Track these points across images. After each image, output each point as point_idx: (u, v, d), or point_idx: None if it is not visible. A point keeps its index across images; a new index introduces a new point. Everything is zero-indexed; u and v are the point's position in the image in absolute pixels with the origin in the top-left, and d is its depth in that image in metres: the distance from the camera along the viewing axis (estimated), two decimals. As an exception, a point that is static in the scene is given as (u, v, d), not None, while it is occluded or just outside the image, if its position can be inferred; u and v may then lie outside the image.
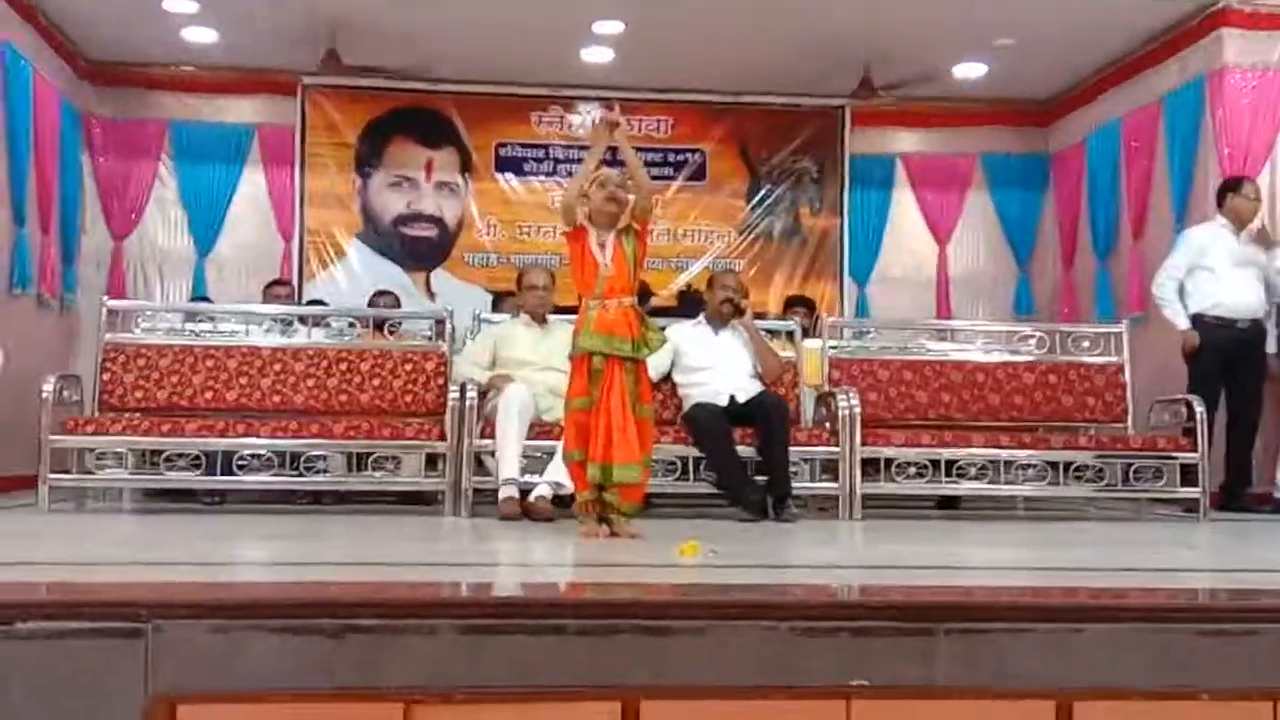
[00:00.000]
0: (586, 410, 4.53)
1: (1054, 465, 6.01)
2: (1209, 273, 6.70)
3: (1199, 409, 6.11)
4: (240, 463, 5.68)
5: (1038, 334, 6.74)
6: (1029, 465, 6.00)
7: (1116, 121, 8.69)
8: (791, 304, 8.00)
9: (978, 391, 6.45)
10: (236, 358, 6.16)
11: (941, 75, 9.07)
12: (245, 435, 5.66)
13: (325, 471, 5.82)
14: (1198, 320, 6.69)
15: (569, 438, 4.61)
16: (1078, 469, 6.02)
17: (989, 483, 5.99)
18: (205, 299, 8.46)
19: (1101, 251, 8.85)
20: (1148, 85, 8.32)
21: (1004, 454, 5.99)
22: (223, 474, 5.71)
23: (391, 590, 2.87)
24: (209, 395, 6.09)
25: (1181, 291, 6.76)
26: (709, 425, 5.69)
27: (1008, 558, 4.26)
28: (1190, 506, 6.06)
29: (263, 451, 5.66)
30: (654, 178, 9.76)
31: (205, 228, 9.18)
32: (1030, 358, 6.60)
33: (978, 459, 5.97)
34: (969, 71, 9.01)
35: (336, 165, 9.33)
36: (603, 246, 4.63)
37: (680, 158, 9.63)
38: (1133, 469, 6.03)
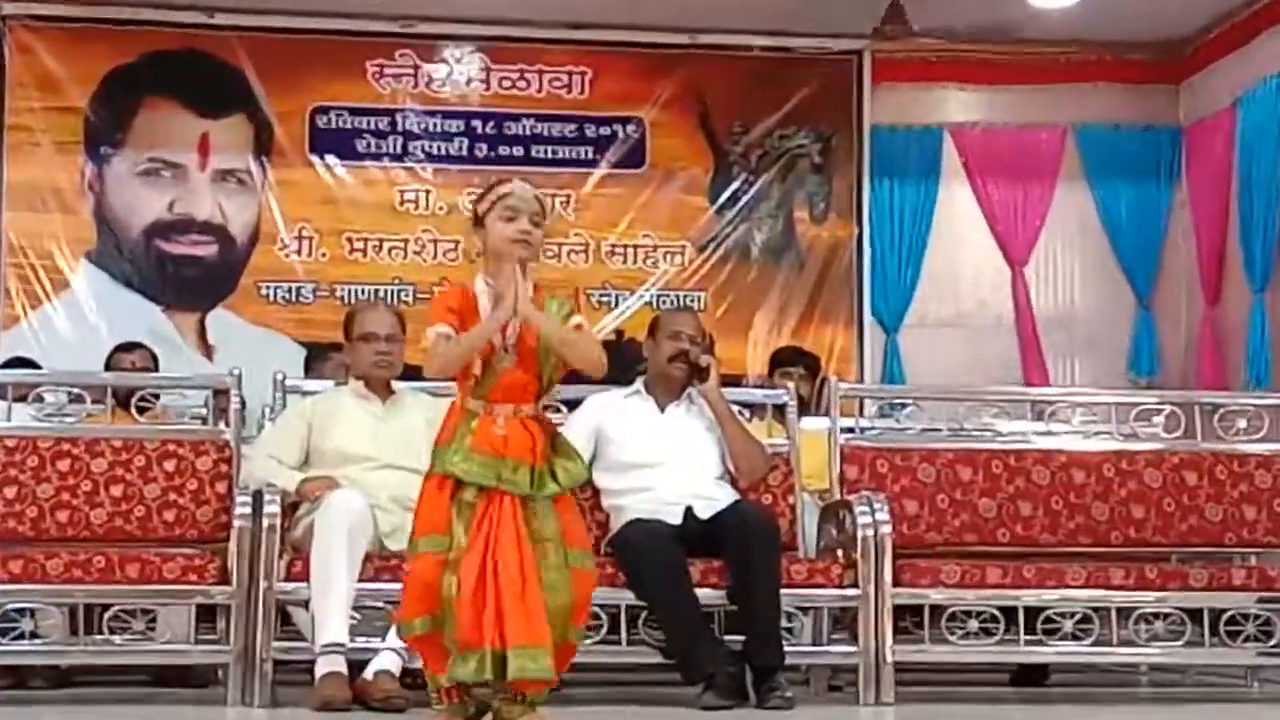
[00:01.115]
0: (438, 555, 4.48)
1: (1195, 615, 6.04)
2: None
3: None
4: (-107, 623, 5.58)
5: (1167, 408, 6.80)
6: (1156, 615, 6.03)
7: (1283, 76, 8.89)
8: (782, 362, 8.02)
9: (1076, 499, 6.49)
10: (-112, 452, 6.07)
11: (1013, 4, 9.22)
12: (-99, 578, 5.56)
13: (34, 635, 5.71)
14: None
15: (408, 597, 4.53)
16: (1232, 621, 6.06)
17: (1093, 644, 6.00)
18: None
19: (1260, 277, 9.01)
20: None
21: (1117, 598, 6.01)
22: None
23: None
24: None
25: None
26: (653, 556, 5.68)
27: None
28: None
29: (-69, 604, 5.58)
30: (567, 161, 9.98)
31: None
32: (1157, 445, 6.66)
33: (1076, 606, 5.99)
34: (1055, -1, 9.19)
35: (54, 143, 9.27)
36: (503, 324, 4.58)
37: (605, 131, 9.68)
38: (1318, 620, 6.11)
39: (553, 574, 4.42)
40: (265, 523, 5.60)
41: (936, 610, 5.94)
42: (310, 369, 7.99)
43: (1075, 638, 5.98)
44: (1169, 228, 9.92)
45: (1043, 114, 9.93)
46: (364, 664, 5.37)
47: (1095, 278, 9.96)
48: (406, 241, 9.38)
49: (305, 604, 5.57)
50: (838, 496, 6.28)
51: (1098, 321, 9.92)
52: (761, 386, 7.82)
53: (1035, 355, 9.79)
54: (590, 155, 9.65)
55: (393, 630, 5.34)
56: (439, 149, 9.56)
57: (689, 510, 5.90)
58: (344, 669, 5.35)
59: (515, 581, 4.36)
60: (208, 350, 9.26)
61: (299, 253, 9.42)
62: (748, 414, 6.49)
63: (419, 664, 5.08)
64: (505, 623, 4.34)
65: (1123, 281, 9.95)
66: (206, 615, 5.80)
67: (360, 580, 5.52)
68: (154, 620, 5.76)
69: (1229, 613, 6.04)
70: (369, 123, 9.54)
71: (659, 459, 6.03)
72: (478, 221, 4.68)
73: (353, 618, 5.47)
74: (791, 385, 6.93)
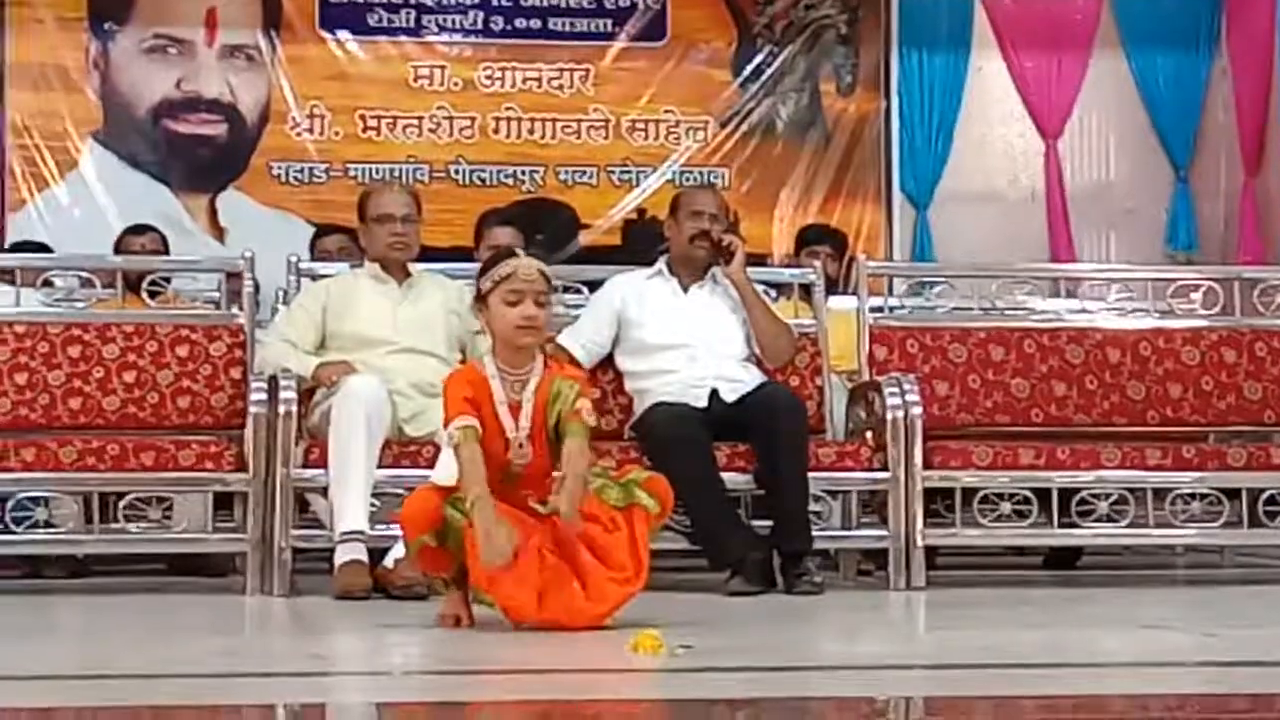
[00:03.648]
0: (436, 489, 4.55)
1: (1232, 495, 6.06)
2: None
3: None
4: (-94, 513, 5.62)
5: (1205, 284, 6.79)
6: (1193, 496, 6.05)
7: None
8: (809, 240, 8.01)
9: (1111, 378, 6.49)
10: (-104, 340, 6.10)
11: None
12: (-87, 467, 5.61)
13: (48, 525, 5.76)
14: None
15: (408, 524, 4.55)
16: (1271, 500, 6.08)
17: (1129, 525, 6.03)
18: None
19: (1305, 149, 8.96)
20: None
21: (1152, 478, 6.03)
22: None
23: (160, 721, 2.84)
24: None
25: None
26: (678, 440, 5.69)
27: (1160, 647, 4.30)
28: None
29: (-57, 494, 5.61)
30: (585, 34, 9.92)
31: None
32: (1195, 323, 6.65)
33: (1111, 487, 6.00)
34: None
35: (57, 19, 9.21)
36: (516, 409, 4.54)
37: (625, 2, 9.59)
38: (1360, 500, 6.12)
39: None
40: (281, 409, 5.63)
41: (968, 493, 5.96)
42: (314, 251, 7.94)
43: (1110, 519, 6.01)
44: (1208, 96, 9.83)
45: (1079, -19, 9.84)
46: (384, 551, 5.41)
47: (1131, 149, 9.89)
48: (421, 119, 9.32)
49: (323, 491, 5.62)
50: (867, 378, 6.30)
51: (1134, 195, 9.86)
52: (788, 266, 7.80)
53: (1063, 231, 9.73)
54: (609, 27, 9.57)
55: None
56: (453, 22, 9.48)
57: (714, 393, 5.92)
58: (364, 557, 5.40)
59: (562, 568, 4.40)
60: (219, 232, 9.25)
61: (311, 131, 9.38)
62: (774, 294, 6.49)
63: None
64: (556, 597, 4.36)
65: (1160, 153, 9.88)
66: (223, 503, 5.86)
67: (379, 466, 5.56)
68: (170, 509, 5.81)
69: (1267, 492, 6.06)
70: (382, -6, 9.47)
71: (683, 341, 6.03)
72: (480, 298, 4.60)
73: (372, 505, 5.51)
74: (818, 264, 6.92)
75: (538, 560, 4.36)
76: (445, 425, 4.52)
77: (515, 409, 4.52)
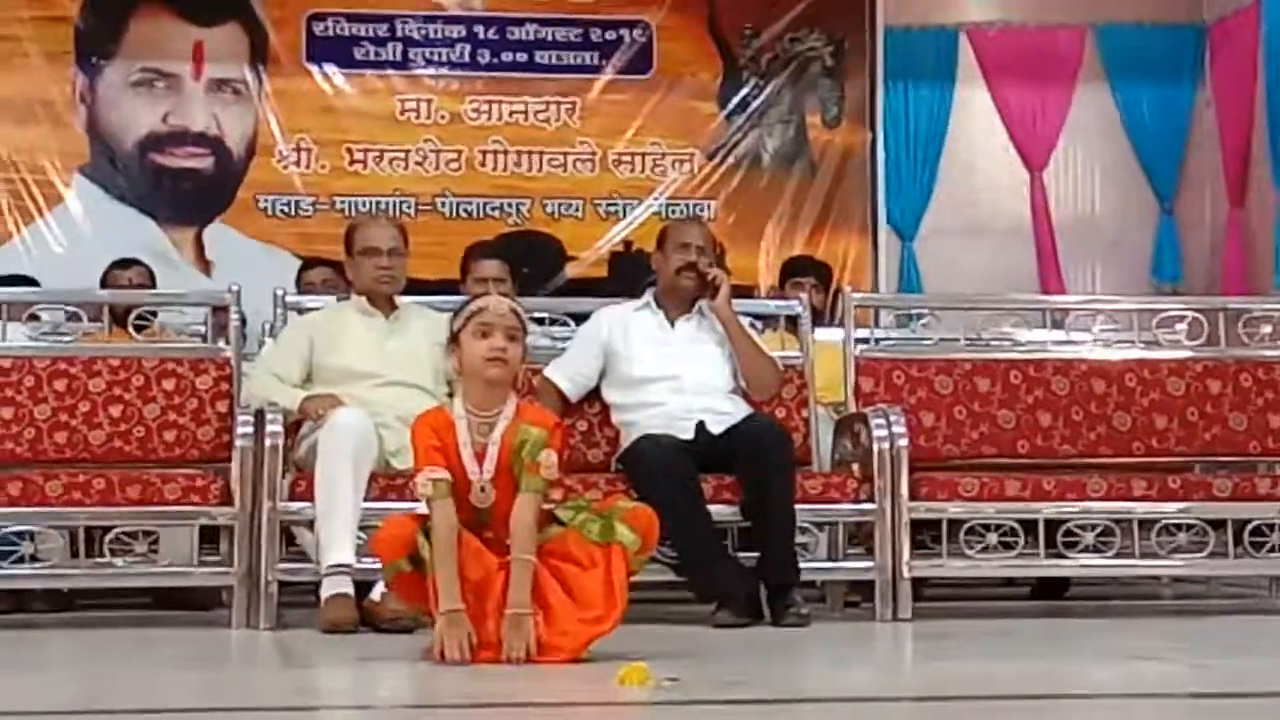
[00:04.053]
0: (409, 515, 4.59)
1: (1218, 526, 6.07)
2: None
3: None
4: (-109, 547, 5.60)
5: (1190, 314, 6.80)
6: (1179, 526, 6.06)
7: (1313, -30, 8.84)
8: (795, 272, 8.03)
9: (1097, 409, 6.50)
10: (-118, 374, 6.09)
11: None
12: (-101, 502, 5.59)
13: (34, 559, 5.74)
14: None
15: (383, 548, 4.55)
16: (1256, 531, 6.09)
17: (1115, 556, 6.03)
18: None
19: (1289, 180, 8.99)
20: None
21: (1138, 509, 6.03)
22: None
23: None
24: None
25: None
26: (664, 473, 5.68)
27: (1148, 678, 4.31)
28: None
29: (-71, 528, 5.60)
30: (571, 67, 9.95)
31: None
32: (1180, 354, 6.66)
33: (1097, 518, 6.01)
34: (1074, -109, 9.11)
35: (44, 53, 9.24)
36: (481, 452, 4.53)
37: (611, 35, 9.64)
38: (1345, 530, 6.12)
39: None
40: (268, 442, 5.62)
41: (954, 524, 5.96)
42: (300, 284, 7.95)
43: (1096, 550, 6.00)
44: (1192, 129, 9.90)
45: (1062, 13, 9.87)
46: (370, 585, 5.40)
47: (1116, 181, 9.94)
48: (408, 152, 9.35)
49: (310, 524, 5.60)
50: (853, 409, 6.30)
51: (1119, 226, 9.91)
52: (773, 298, 7.82)
53: (1052, 263, 9.78)
54: (596, 61, 9.61)
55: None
56: (440, 56, 9.52)
57: (701, 425, 5.92)
58: (350, 590, 5.39)
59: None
60: (205, 266, 9.27)
61: (297, 164, 9.40)
62: (760, 325, 6.49)
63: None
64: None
65: (1145, 185, 9.93)
66: (209, 537, 5.83)
67: (366, 500, 5.54)
68: (156, 542, 5.79)
69: (1253, 523, 6.06)
70: (367, 29, 9.49)
71: (670, 373, 6.04)
72: (453, 338, 4.61)
73: (358, 538, 5.48)
74: (804, 296, 6.94)
75: (502, 599, 4.35)
76: (415, 473, 4.52)
77: (481, 453, 4.51)
